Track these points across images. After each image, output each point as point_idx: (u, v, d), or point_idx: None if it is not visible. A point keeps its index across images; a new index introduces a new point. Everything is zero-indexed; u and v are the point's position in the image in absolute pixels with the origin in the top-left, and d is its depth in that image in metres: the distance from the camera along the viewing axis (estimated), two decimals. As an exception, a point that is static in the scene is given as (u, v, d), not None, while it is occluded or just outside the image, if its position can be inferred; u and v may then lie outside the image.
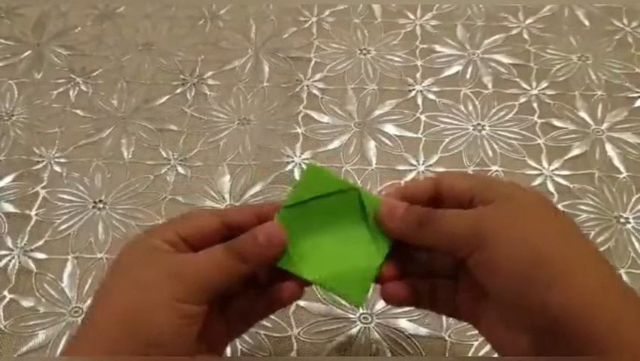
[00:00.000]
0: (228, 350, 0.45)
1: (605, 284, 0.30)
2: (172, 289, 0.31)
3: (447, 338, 0.46)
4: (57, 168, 0.57)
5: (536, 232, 0.31)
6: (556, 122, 0.60)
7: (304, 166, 0.56)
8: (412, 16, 0.70)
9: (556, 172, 0.56)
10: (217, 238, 0.35)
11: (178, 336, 0.31)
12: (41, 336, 0.47)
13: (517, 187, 0.34)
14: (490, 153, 0.57)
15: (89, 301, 0.48)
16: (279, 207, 0.36)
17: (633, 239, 0.51)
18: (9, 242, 0.52)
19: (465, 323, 0.36)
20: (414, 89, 0.63)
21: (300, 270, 0.35)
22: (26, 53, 0.67)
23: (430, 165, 0.56)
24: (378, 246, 0.36)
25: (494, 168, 0.56)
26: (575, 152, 0.57)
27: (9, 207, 0.54)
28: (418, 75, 0.64)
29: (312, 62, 0.65)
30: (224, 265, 0.32)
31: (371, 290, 0.36)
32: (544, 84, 0.63)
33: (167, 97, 0.63)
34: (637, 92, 0.62)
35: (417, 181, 0.37)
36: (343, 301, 0.47)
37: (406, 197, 0.36)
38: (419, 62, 0.65)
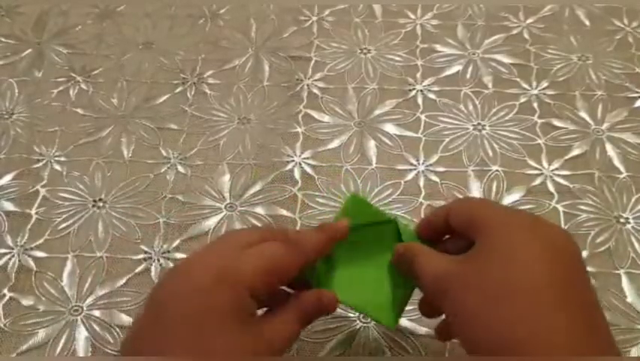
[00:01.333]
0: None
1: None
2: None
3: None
4: (57, 167, 0.57)
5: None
6: (557, 122, 0.60)
7: (305, 166, 0.56)
8: (412, 16, 0.70)
9: (556, 172, 0.56)
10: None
11: None
12: (41, 335, 0.47)
13: (520, 227, 0.33)
14: (490, 153, 0.57)
15: (89, 300, 0.48)
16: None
17: (633, 239, 0.51)
18: (9, 240, 0.52)
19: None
20: (414, 89, 0.63)
21: (337, 293, 0.38)
22: (26, 52, 0.67)
23: (430, 165, 0.56)
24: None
25: (494, 167, 0.56)
26: (575, 152, 0.57)
27: (9, 206, 0.54)
28: (419, 75, 0.64)
29: (313, 62, 0.65)
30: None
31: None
32: (545, 84, 0.63)
33: (167, 96, 0.63)
34: (637, 92, 0.62)
35: (434, 212, 0.39)
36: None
37: (431, 227, 0.39)
38: (419, 62, 0.65)
